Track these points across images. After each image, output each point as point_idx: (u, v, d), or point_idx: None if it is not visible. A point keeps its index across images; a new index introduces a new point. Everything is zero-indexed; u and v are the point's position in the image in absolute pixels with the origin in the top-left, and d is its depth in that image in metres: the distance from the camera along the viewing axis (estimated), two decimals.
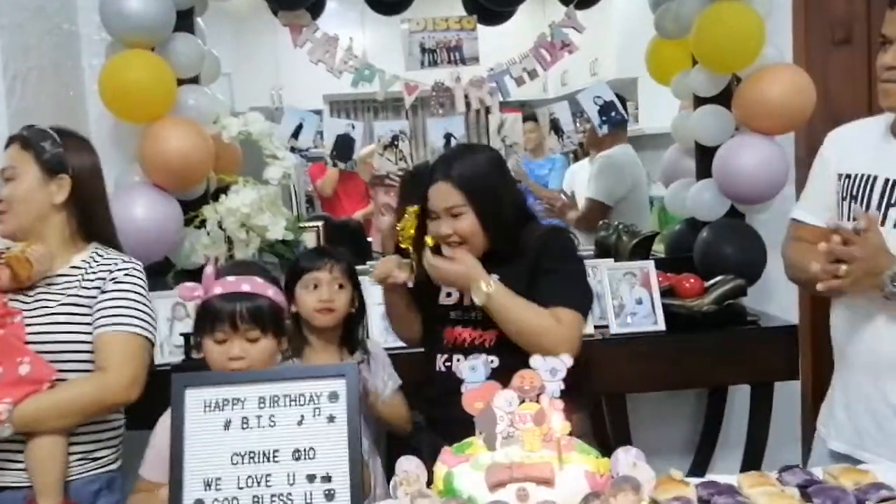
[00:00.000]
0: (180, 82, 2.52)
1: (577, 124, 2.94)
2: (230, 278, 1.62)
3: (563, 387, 1.35)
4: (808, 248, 1.69)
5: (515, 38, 3.06)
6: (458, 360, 1.82)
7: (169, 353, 2.46)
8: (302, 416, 1.37)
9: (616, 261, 2.72)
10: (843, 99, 2.90)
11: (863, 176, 1.68)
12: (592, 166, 3.60)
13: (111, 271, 1.78)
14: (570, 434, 1.31)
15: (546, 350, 1.62)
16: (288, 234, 2.57)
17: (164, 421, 1.54)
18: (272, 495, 1.31)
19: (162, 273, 2.52)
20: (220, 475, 1.33)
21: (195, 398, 1.38)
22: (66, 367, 1.72)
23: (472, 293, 1.78)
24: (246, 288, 1.60)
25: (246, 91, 5.51)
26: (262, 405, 1.37)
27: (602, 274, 2.58)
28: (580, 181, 3.79)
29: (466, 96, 2.80)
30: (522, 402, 1.32)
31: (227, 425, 1.36)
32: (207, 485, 1.32)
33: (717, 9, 2.58)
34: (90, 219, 1.83)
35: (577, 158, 4.22)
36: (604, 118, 2.85)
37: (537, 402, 1.32)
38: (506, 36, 3.11)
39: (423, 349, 2.02)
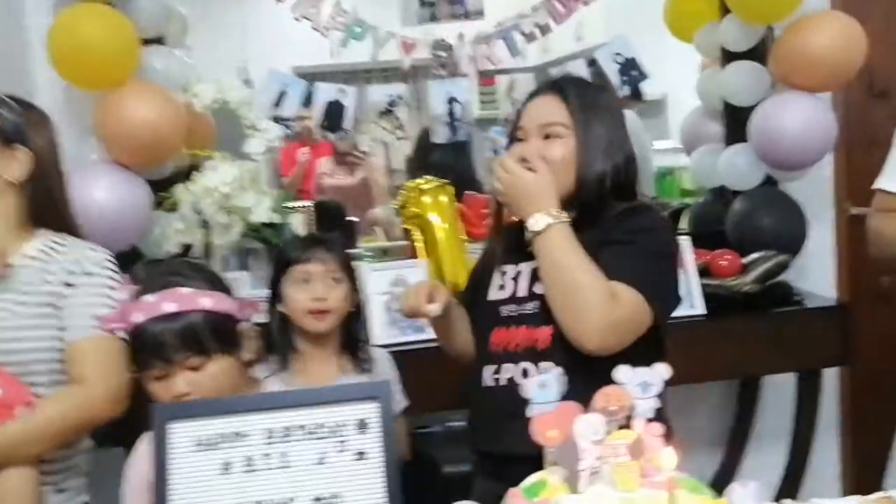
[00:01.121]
0: (144, 43, 2.17)
1: None
2: (150, 297, 1.31)
3: (658, 405, 1.07)
4: None
5: None
6: (507, 371, 1.44)
7: None
8: (323, 453, 1.07)
9: None
10: (884, 52, 2.62)
11: None
12: None
13: (80, 262, 1.50)
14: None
15: (579, 327, 1.34)
16: (274, 217, 2.24)
17: (138, 457, 1.24)
18: None
19: (129, 263, 2.17)
20: None
21: (183, 434, 1.06)
22: (32, 380, 1.43)
23: (529, 220, 1.39)
24: (169, 308, 1.29)
25: (208, 65, 5.18)
26: (270, 440, 1.07)
27: None
28: None
29: (471, 55, 2.47)
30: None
31: (226, 468, 1.05)
32: None
33: None
34: (51, 203, 1.55)
35: None
36: (624, 78, 2.55)
37: (627, 426, 1.04)
38: None
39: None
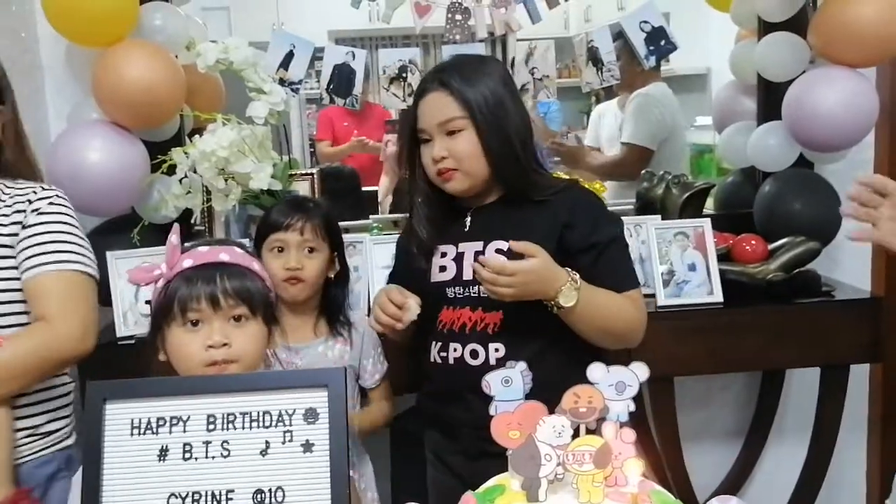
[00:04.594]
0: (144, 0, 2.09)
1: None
2: (202, 249, 1.24)
3: (632, 408, 0.96)
4: None
5: None
6: (456, 350, 1.52)
7: (134, 323, 2.08)
8: (267, 443, 0.99)
9: (663, 218, 2.29)
10: None
11: None
12: (627, 108, 3.13)
13: (30, 201, 1.49)
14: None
15: (628, 343, 1.53)
16: (275, 184, 2.15)
17: None
18: None
19: (127, 228, 2.12)
20: None
21: (119, 416, 0.99)
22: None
23: (559, 300, 1.41)
24: (225, 258, 1.22)
25: (244, 25, 5.15)
26: (211, 427, 0.99)
27: (648, 234, 2.16)
28: (607, 125, 3.32)
29: (490, 22, 2.34)
30: (576, 430, 0.93)
31: (162, 454, 0.98)
32: None
33: None
34: (14, 149, 1.55)
35: (597, 101, 3.76)
36: (651, 48, 2.40)
37: (595, 431, 0.94)
38: None
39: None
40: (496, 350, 1.48)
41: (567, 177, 1.96)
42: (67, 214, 1.51)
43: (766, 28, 2.37)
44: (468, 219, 1.58)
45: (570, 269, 1.43)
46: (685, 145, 3.21)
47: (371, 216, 2.65)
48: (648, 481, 0.93)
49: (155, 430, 0.98)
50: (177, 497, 0.96)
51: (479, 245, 1.53)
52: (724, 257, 2.24)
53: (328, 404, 0.98)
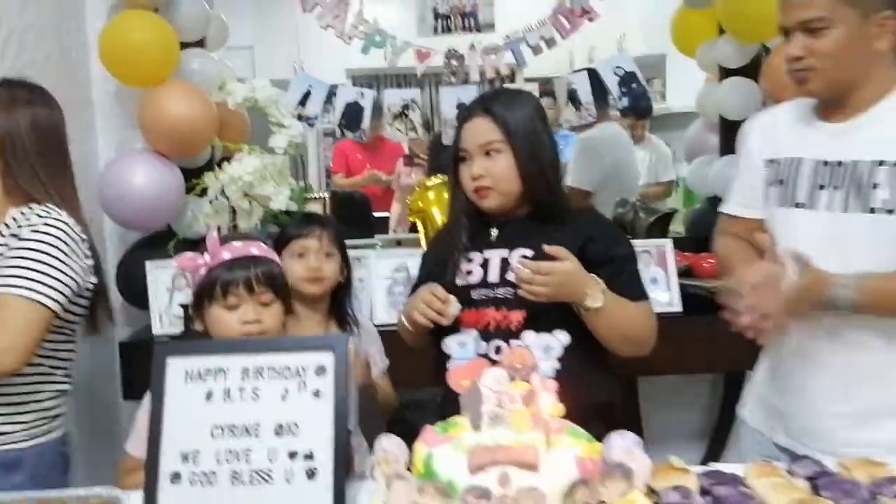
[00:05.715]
0: (184, 46, 2.45)
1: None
2: (237, 243, 1.56)
3: (557, 366, 1.27)
4: (736, 248, 1.67)
5: (533, 5, 2.94)
6: (480, 347, 1.53)
7: (169, 324, 2.41)
8: (286, 390, 1.29)
9: (632, 238, 2.61)
10: None
11: (789, 160, 1.58)
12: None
13: (20, 227, 1.62)
14: (567, 417, 1.23)
15: (640, 348, 1.71)
16: (292, 205, 2.50)
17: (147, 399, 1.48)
18: (252, 471, 1.24)
19: (163, 242, 2.46)
20: (199, 448, 1.25)
21: (177, 368, 1.30)
22: None
23: (587, 301, 1.56)
24: (255, 252, 1.55)
25: (268, 63, 5.47)
26: (245, 377, 1.30)
27: None
28: None
29: (481, 65, 2.69)
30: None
31: (208, 396, 1.29)
32: (185, 458, 1.25)
33: None
34: (21, 176, 1.66)
35: None
36: (623, 90, 2.74)
37: (528, 381, 1.25)
38: (523, 2, 2.98)
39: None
40: (490, 346, 1.56)
41: None
42: (44, 242, 1.59)
43: (725, 73, 2.71)
44: (494, 230, 1.70)
45: (595, 276, 1.57)
46: (636, 176, 3.51)
47: (376, 236, 2.99)
48: (568, 421, 1.23)
49: (203, 378, 1.29)
50: (218, 428, 1.27)
51: (504, 252, 1.65)
52: (686, 273, 2.56)
53: (334, 362, 1.30)
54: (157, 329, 2.40)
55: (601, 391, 1.67)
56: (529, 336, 1.25)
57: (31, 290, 1.55)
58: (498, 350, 1.57)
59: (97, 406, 2.46)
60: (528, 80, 2.95)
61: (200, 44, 2.56)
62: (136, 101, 2.43)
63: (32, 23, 2.27)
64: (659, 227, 2.70)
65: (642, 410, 2.64)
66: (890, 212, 1.46)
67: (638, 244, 2.50)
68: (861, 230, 1.48)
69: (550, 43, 2.73)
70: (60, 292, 1.59)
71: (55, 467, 1.70)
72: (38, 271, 1.57)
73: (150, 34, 2.32)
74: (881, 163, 1.47)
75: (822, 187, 1.53)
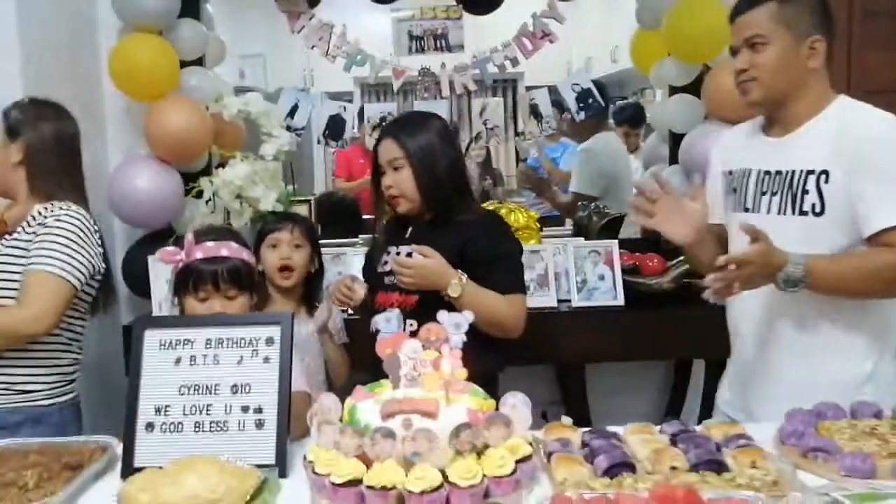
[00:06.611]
0: (184, 64, 2.76)
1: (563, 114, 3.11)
2: (209, 243, 1.83)
3: (465, 339, 1.55)
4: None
5: (498, 28, 3.23)
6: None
7: (167, 310, 2.67)
8: (241, 357, 1.58)
9: (586, 239, 2.89)
10: None
11: (741, 170, 1.83)
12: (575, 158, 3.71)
13: (45, 217, 1.94)
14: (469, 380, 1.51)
15: (505, 332, 1.98)
16: (278, 206, 2.79)
17: None
18: (211, 422, 1.54)
19: (164, 238, 2.76)
20: (168, 403, 1.55)
21: (153, 338, 1.61)
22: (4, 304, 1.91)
23: (446, 289, 1.90)
24: (224, 252, 1.82)
25: (279, 70, 5.74)
26: (208, 346, 1.60)
27: (568, 252, 2.75)
28: None
29: (451, 81, 2.98)
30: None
31: (177, 361, 1.59)
32: (158, 410, 1.55)
33: (687, 1, 2.71)
34: (44, 178, 1.99)
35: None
36: (581, 105, 3.01)
37: (440, 352, 1.53)
38: (490, 25, 3.27)
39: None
40: (411, 325, 1.71)
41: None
42: (65, 229, 1.92)
43: (673, 90, 2.97)
44: (410, 229, 2.08)
45: (461, 272, 1.92)
46: (630, 183, 3.77)
47: (360, 236, 3.28)
48: (471, 383, 1.50)
49: (174, 346, 1.59)
50: (185, 387, 1.56)
51: (408, 248, 2.03)
52: (634, 271, 2.82)
53: (280, 334, 1.59)
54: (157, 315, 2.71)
55: (485, 362, 1.86)
56: (443, 315, 1.53)
57: (59, 268, 1.88)
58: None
59: (104, 380, 2.76)
60: (528, 87, 3.20)
61: (199, 61, 2.87)
62: (142, 113, 2.74)
63: (50, 44, 2.58)
64: (613, 228, 2.96)
65: (593, 396, 2.90)
66: (818, 214, 1.68)
67: (588, 245, 2.81)
68: (795, 230, 1.69)
69: (514, 62, 3.01)
70: (80, 272, 1.93)
71: (72, 423, 2.03)
72: (64, 253, 1.90)
73: (154, 54, 2.63)
74: (811, 172, 1.69)
75: (764, 193, 1.77)
